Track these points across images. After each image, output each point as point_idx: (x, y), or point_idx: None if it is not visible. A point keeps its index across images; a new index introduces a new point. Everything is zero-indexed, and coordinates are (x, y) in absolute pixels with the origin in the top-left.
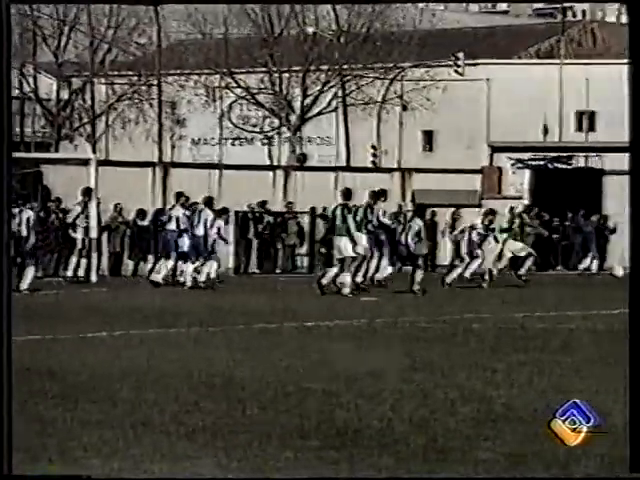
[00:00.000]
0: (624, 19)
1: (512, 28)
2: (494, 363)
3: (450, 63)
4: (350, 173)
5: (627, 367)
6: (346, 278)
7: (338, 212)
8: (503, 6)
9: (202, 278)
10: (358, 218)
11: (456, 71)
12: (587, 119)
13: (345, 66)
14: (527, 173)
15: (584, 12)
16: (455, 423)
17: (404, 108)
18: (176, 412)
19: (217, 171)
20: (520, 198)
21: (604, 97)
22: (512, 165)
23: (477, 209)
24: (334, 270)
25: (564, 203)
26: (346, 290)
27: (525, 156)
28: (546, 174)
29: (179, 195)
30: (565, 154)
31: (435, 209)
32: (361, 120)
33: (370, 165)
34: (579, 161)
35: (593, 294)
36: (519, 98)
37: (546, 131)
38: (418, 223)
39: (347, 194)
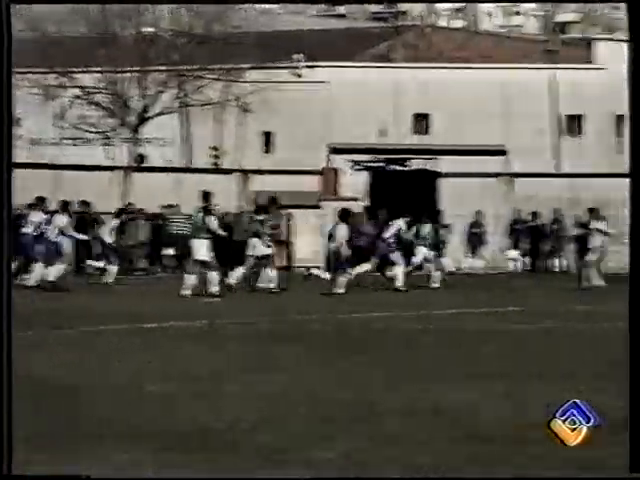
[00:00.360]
0: (457, 24)
1: (350, 31)
2: (335, 363)
3: (289, 65)
4: (190, 174)
5: (627, 367)
6: (190, 280)
7: (200, 214)
8: (341, 9)
9: (50, 278)
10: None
11: (295, 73)
12: (422, 122)
13: (184, 67)
14: (365, 175)
15: (418, 17)
16: (295, 423)
17: (243, 109)
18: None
19: (55, 171)
20: (357, 199)
21: (439, 100)
22: (350, 167)
23: (316, 210)
24: (192, 276)
25: (401, 205)
26: (187, 292)
27: (363, 158)
28: (383, 176)
29: (39, 200)
30: (402, 156)
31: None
32: (201, 121)
33: (211, 166)
34: (415, 163)
35: (428, 294)
36: (357, 100)
37: (383, 133)
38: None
39: (206, 196)
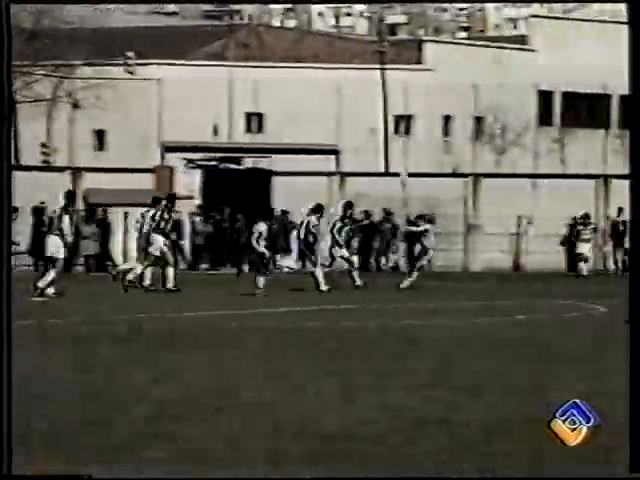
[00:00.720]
0: (290, 24)
1: (182, 29)
2: (164, 362)
3: (121, 62)
4: (21, 172)
5: (627, 369)
6: (49, 276)
7: (57, 213)
8: (172, 7)
9: None
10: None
11: (127, 70)
12: (256, 120)
13: (12, 63)
14: (198, 173)
15: (250, 16)
16: (127, 422)
17: (75, 106)
18: None
19: None
20: (192, 198)
21: (272, 99)
22: (184, 165)
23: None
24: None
25: (234, 203)
26: (50, 290)
27: (196, 156)
28: (217, 174)
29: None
30: (235, 155)
31: (107, 208)
32: (31, 118)
33: (41, 164)
34: (249, 162)
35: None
36: (190, 99)
37: (216, 132)
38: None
39: (69, 196)
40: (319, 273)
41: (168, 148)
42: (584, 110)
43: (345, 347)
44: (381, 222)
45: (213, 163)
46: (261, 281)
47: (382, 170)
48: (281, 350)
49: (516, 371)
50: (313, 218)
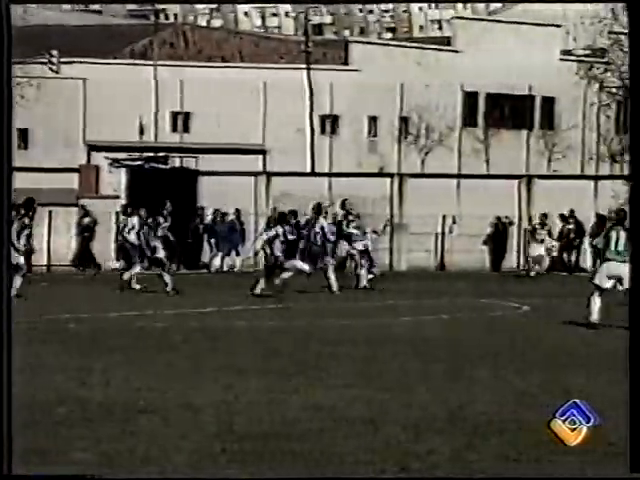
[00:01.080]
0: (216, 23)
1: (107, 28)
2: (90, 363)
3: (45, 60)
4: None
5: (627, 368)
6: None
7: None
8: (96, 6)
9: None
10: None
11: (51, 69)
12: (182, 120)
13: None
14: (124, 172)
15: (176, 15)
16: (51, 424)
17: None
18: None
19: None
20: (118, 197)
21: (198, 99)
22: (109, 164)
23: (75, 208)
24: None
25: (161, 202)
26: None
27: (122, 156)
28: (142, 174)
29: None
30: (161, 154)
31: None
32: None
33: None
34: (175, 161)
35: (191, 292)
36: (115, 97)
37: (142, 131)
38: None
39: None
40: (332, 274)
41: (93, 147)
42: (508, 111)
43: (271, 347)
44: (308, 221)
45: (139, 163)
46: (261, 285)
47: (308, 170)
48: (210, 351)
49: (440, 369)
50: (322, 219)
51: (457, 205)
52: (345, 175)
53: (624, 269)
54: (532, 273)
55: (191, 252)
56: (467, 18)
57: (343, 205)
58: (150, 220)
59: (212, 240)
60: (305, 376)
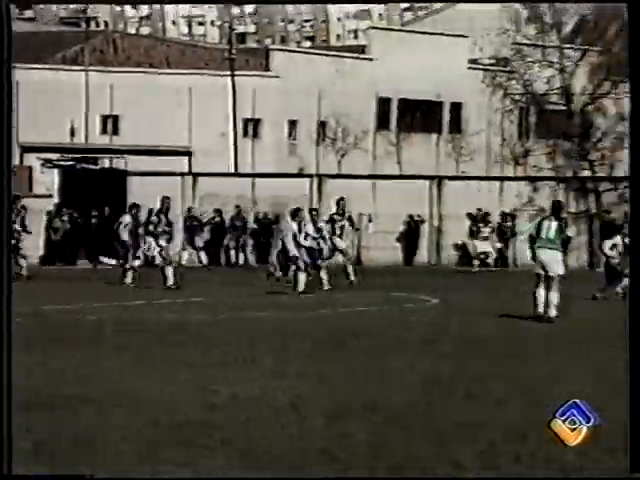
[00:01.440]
0: (145, 31)
1: (40, 35)
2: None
3: None
4: None
5: (628, 370)
6: None
7: None
8: (29, 13)
9: None
10: None
11: None
12: (111, 123)
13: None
14: (56, 173)
15: (106, 23)
16: None
17: None
18: None
19: None
20: (51, 197)
21: (127, 102)
22: (42, 165)
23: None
24: None
25: (91, 201)
26: None
27: (54, 156)
28: (74, 174)
29: None
30: (91, 155)
31: None
32: None
33: None
34: (105, 162)
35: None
36: (47, 101)
37: (73, 133)
38: None
39: None
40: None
41: (26, 149)
42: (419, 116)
43: (197, 339)
44: (232, 220)
45: (70, 163)
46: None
47: (232, 171)
48: (138, 342)
49: (356, 358)
50: (309, 224)
51: (372, 204)
52: (267, 176)
53: (549, 254)
54: (475, 269)
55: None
56: (382, 28)
57: (338, 204)
58: (146, 218)
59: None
60: (229, 367)
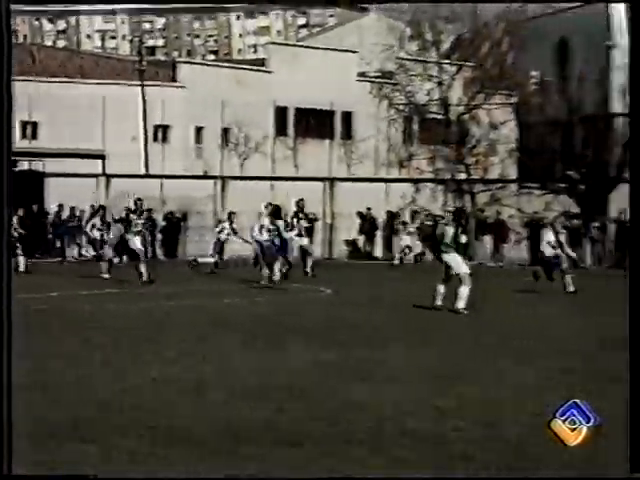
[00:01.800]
0: (61, 44)
1: None
2: None
3: None
4: None
5: (627, 369)
6: None
7: None
8: None
9: None
10: None
11: None
12: (31, 128)
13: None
14: None
15: (25, 36)
16: None
17: None
18: None
19: None
20: None
21: (45, 110)
22: None
23: None
24: None
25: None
26: None
27: None
28: None
29: None
30: (12, 158)
31: None
32: None
33: None
34: (24, 164)
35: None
36: None
37: None
38: None
39: None
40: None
41: None
42: (313, 123)
43: (113, 326)
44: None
45: None
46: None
47: (142, 172)
48: (57, 330)
49: (257, 344)
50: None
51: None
52: (175, 177)
53: (447, 257)
54: (395, 261)
55: (45, 244)
56: (279, 43)
57: (298, 204)
58: (123, 217)
59: (58, 233)
60: (142, 351)
